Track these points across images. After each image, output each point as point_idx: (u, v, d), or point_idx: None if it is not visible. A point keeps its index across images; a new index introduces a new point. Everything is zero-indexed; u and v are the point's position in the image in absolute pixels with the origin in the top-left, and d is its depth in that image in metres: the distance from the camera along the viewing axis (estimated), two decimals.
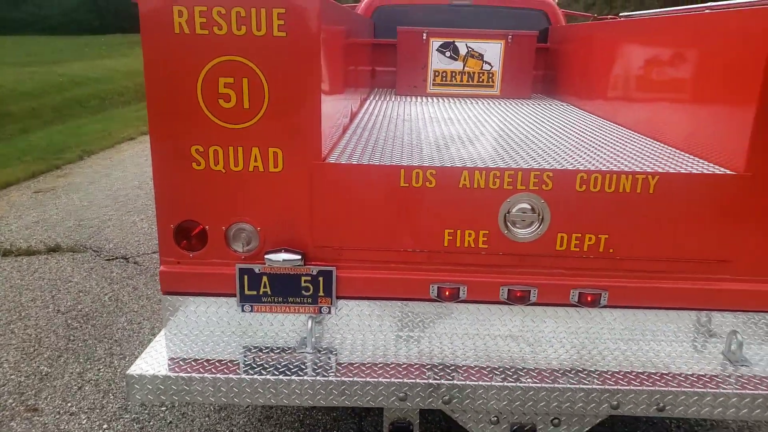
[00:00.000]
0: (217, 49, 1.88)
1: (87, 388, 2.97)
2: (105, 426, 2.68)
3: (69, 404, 2.84)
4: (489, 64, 4.29)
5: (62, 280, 4.25)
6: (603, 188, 1.97)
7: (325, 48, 1.97)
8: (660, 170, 2.01)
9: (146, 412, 2.78)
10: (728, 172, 2.02)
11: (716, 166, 2.10)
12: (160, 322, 3.58)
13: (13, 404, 2.84)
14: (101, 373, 3.10)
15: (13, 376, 3.07)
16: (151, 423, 2.70)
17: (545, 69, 4.65)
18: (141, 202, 6.17)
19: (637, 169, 2.01)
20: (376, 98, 4.10)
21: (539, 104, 3.98)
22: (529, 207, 1.99)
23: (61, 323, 3.63)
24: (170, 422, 2.71)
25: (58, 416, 2.75)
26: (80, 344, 3.39)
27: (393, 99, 4.10)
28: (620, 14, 4.72)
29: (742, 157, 1.98)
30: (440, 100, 4.13)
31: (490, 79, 4.33)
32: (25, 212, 5.82)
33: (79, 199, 6.28)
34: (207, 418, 2.74)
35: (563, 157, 2.23)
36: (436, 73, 4.33)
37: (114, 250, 4.87)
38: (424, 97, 4.24)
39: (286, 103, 1.93)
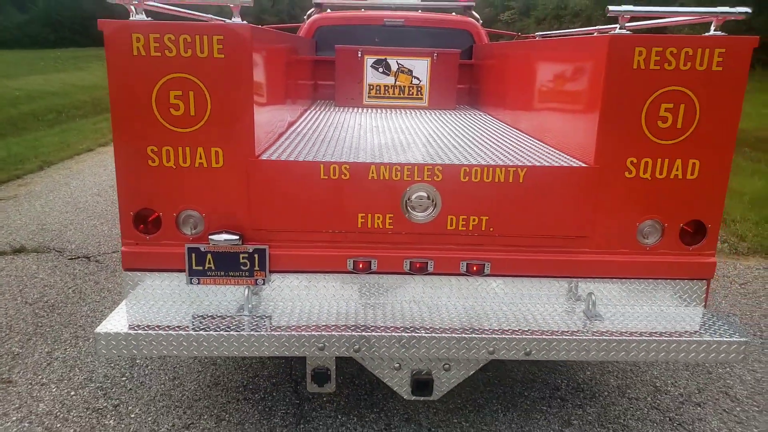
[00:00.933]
0: (168, 68, 2.33)
1: (55, 364, 3.33)
2: (72, 393, 3.06)
3: (39, 377, 3.20)
4: (417, 78, 4.82)
5: (28, 277, 4.57)
6: (482, 179, 2.48)
7: (256, 66, 2.43)
8: (528, 164, 2.53)
9: (108, 381, 3.17)
10: (583, 164, 2.55)
11: (577, 161, 2.63)
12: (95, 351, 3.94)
13: None
14: (68, 352, 3.46)
15: None
16: (113, 390, 3.09)
17: (470, 83, 5.21)
18: (100, 208, 6.48)
19: (511, 164, 2.52)
20: (318, 108, 4.57)
21: (461, 114, 4.52)
22: (424, 194, 2.48)
23: (29, 312, 3.97)
24: (130, 389, 3.10)
25: (30, 386, 3.12)
26: (47, 329, 3.74)
27: (332, 109, 4.58)
28: (536, 34, 5.33)
29: (592, 153, 2.51)
30: (374, 110, 4.62)
31: (419, 92, 4.85)
32: None
33: (40, 206, 6.55)
34: (162, 385, 3.14)
35: (457, 155, 2.73)
36: (371, 87, 4.83)
37: (76, 250, 5.20)
38: (360, 108, 4.72)
39: (225, 111, 2.38)
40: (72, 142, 10.61)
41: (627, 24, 2.51)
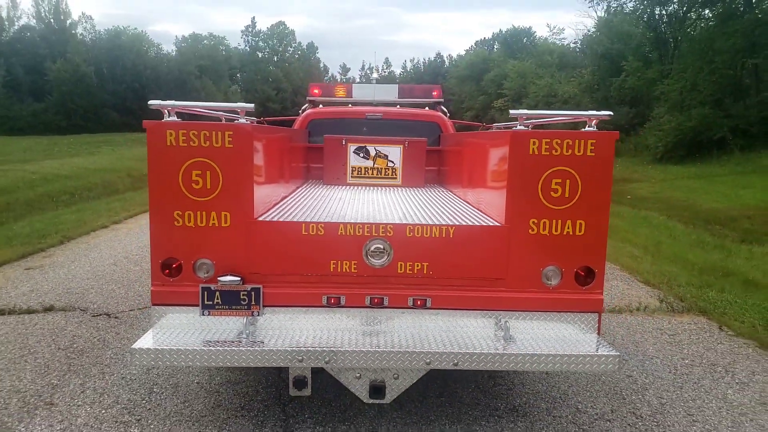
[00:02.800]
0: (191, 154, 3.25)
1: (88, 392, 4.06)
2: (103, 411, 3.78)
3: (75, 401, 3.93)
4: (392, 162, 5.79)
5: (59, 329, 5.34)
6: (422, 234, 3.34)
7: (256, 153, 3.35)
8: (456, 224, 3.39)
9: (131, 403, 3.89)
10: (497, 224, 3.42)
11: (493, 221, 3.50)
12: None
13: (36, 402, 3.93)
14: (97, 383, 4.20)
15: (31, 386, 4.14)
16: (135, 409, 3.81)
17: (439, 165, 6.18)
18: (117, 276, 7.30)
19: (444, 224, 3.38)
20: (309, 186, 5.51)
21: (427, 191, 5.45)
22: (381, 246, 3.34)
23: (62, 355, 4.72)
24: (149, 408, 3.82)
25: (68, 407, 3.85)
26: (79, 367, 4.48)
27: (321, 187, 5.52)
28: (494, 125, 6.35)
29: (503, 215, 3.38)
30: (356, 188, 5.56)
31: (394, 173, 5.81)
32: (20, 284, 6.89)
33: (64, 274, 7.37)
34: (175, 406, 3.86)
35: (409, 218, 3.60)
36: (353, 169, 5.79)
37: (98, 309, 5.98)
38: (344, 186, 5.66)
39: (233, 185, 3.28)
40: (88, 220, 11.54)
41: (527, 121, 3.46)
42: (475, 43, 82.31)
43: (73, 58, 61.02)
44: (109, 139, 42.16)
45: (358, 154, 5.77)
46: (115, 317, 5.76)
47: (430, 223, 3.42)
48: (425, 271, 3.37)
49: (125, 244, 9.25)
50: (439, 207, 4.26)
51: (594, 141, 3.29)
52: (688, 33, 29.15)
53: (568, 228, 3.36)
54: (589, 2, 36.11)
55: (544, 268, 3.39)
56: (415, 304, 3.40)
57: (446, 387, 4.19)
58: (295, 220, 3.44)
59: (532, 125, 3.61)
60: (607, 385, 4.27)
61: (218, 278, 3.33)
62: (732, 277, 7.46)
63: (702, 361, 4.78)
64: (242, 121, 3.37)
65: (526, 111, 3.47)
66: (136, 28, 73.87)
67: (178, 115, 3.42)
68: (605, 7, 34.73)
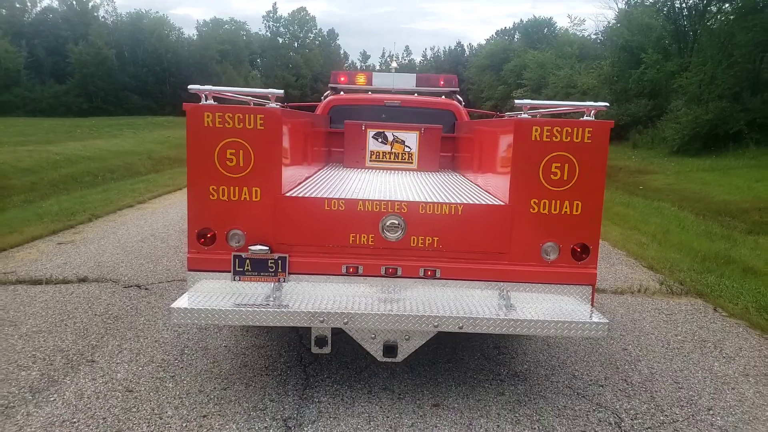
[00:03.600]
0: (226, 134, 3.61)
1: (125, 352, 4.47)
2: (140, 368, 4.19)
3: (114, 359, 4.34)
4: (409, 147, 6.11)
5: (94, 298, 5.76)
6: (434, 212, 3.68)
7: (284, 135, 3.70)
8: (464, 202, 3.72)
9: (165, 362, 4.29)
10: (501, 203, 3.75)
11: (499, 200, 3.82)
12: (169, 323, 5.10)
13: (79, 359, 4.34)
14: (133, 345, 4.60)
15: (73, 346, 4.56)
16: (169, 367, 4.21)
17: (453, 151, 6.50)
18: (145, 251, 7.73)
19: (454, 202, 3.72)
20: (330, 168, 5.86)
21: (441, 174, 5.78)
22: (396, 222, 3.68)
23: (99, 321, 5.14)
24: (181, 367, 4.22)
25: (108, 364, 4.25)
26: (115, 331, 4.89)
27: (341, 169, 5.86)
28: (506, 113, 6.64)
29: (507, 195, 3.71)
30: (374, 171, 5.90)
31: (410, 158, 6.14)
32: (54, 257, 7.34)
33: (95, 249, 7.82)
34: (205, 366, 4.25)
35: (423, 197, 3.93)
36: (372, 153, 6.13)
37: (129, 281, 6.40)
38: (363, 169, 6.00)
39: (264, 163, 3.64)
40: (114, 200, 12.02)
41: (530, 111, 3.77)
42: (495, 33, 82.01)
43: (95, 41, 61.81)
44: (130, 122, 42.84)
45: (377, 139, 6.10)
46: (146, 288, 6.17)
47: (440, 201, 3.76)
48: (435, 245, 3.71)
49: (151, 223, 9.69)
50: (451, 188, 4.60)
51: (591, 129, 3.60)
52: (708, 26, 28.92)
53: (566, 208, 3.68)
54: None
55: (543, 244, 3.72)
56: (425, 275, 3.74)
57: (454, 354, 4.54)
58: (318, 196, 3.80)
59: (540, 114, 3.91)
60: (602, 356, 4.60)
61: (249, 247, 3.69)
62: (733, 264, 7.72)
63: (693, 338, 5.09)
64: (272, 105, 3.72)
65: (529, 101, 3.79)
66: (157, 12, 74.83)
67: (216, 99, 3.78)
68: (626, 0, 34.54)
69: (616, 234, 9.66)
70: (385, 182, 4.89)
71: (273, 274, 3.74)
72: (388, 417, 3.62)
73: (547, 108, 4.18)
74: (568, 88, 38.10)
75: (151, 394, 3.84)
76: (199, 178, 3.67)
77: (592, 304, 3.75)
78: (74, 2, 68.86)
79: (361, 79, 7.02)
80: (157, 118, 48.11)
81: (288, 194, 3.81)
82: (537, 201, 3.67)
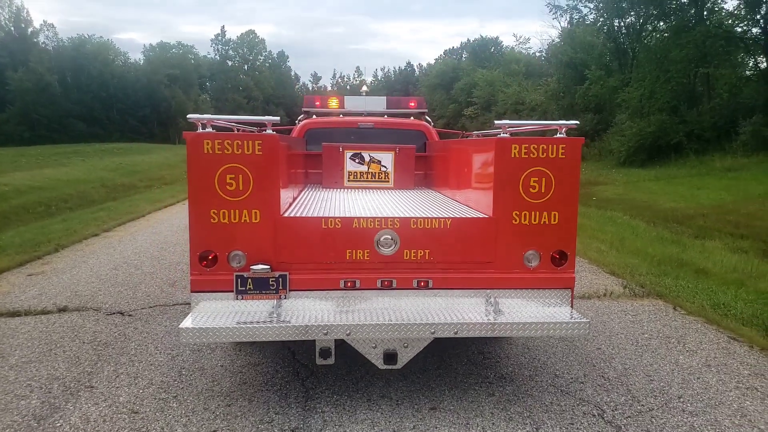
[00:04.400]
0: (226, 160, 3.79)
1: (122, 377, 4.54)
2: (141, 391, 4.27)
3: (113, 384, 4.41)
4: (385, 167, 6.39)
5: (78, 326, 5.77)
6: (424, 226, 3.95)
7: (280, 160, 3.91)
8: (453, 216, 4.01)
9: (164, 384, 4.39)
10: (485, 216, 4.05)
11: (483, 214, 4.13)
12: (161, 346, 5.19)
13: (77, 386, 4.38)
14: (129, 369, 4.67)
15: (68, 374, 4.60)
16: (170, 388, 4.31)
17: (425, 170, 6.81)
18: (121, 279, 7.72)
19: (442, 217, 4.00)
20: (310, 189, 6.07)
21: (417, 192, 6.07)
22: (389, 237, 3.93)
23: (89, 348, 5.17)
24: (182, 387, 4.33)
25: (108, 389, 4.32)
26: (107, 357, 4.94)
27: (321, 190, 6.09)
28: (474, 132, 7.01)
29: (491, 209, 4.01)
30: (353, 190, 6.14)
31: (387, 177, 6.42)
32: (27, 289, 7.26)
33: (68, 279, 7.75)
34: (205, 385, 4.37)
35: (411, 213, 4.20)
36: (350, 173, 6.38)
37: (110, 308, 6.42)
38: (342, 189, 6.24)
39: (262, 186, 3.84)
40: (77, 229, 11.83)
41: (509, 129, 4.11)
42: (444, 52, 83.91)
43: (36, 67, 60.17)
44: (78, 149, 41.75)
45: (354, 160, 6.36)
46: (129, 315, 6.20)
47: (429, 216, 4.03)
48: (427, 257, 3.98)
49: (120, 251, 9.63)
50: (434, 204, 4.88)
51: (564, 146, 3.95)
52: (645, 44, 30.58)
53: (545, 218, 4.01)
54: (553, 14, 37.47)
55: (525, 252, 4.03)
56: (419, 285, 4.00)
57: (443, 361, 4.79)
58: (314, 216, 4.02)
59: (510, 132, 4.25)
60: (579, 356, 4.94)
61: (251, 267, 3.87)
62: (686, 267, 8.27)
63: (659, 335, 5.50)
64: (269, 131, 3.93)
65: (507, 121, 4.13)
66: (101, 37, 73.17)
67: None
68: (568, 18, 36.14)
69: (576, 243, 10.14)
70: (369, 201, 5.14)
71: (274, 291, 3.92)
72: (389, 422, 3.83)
73: (522, 128, 4.53)
74: (517, 105, 39.41)
75: (157, 414, 3.94)
76: (201, 202, 3.84)
77: (571, 306, 4.08)
78: (12, 28, 66.93)
79: (333, 102, 7.28)
80: (106, 144, 47.03)
81: (286, 215, 4.01)
82: (518, 213, 3.99)
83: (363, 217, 3.94)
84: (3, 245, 10.17)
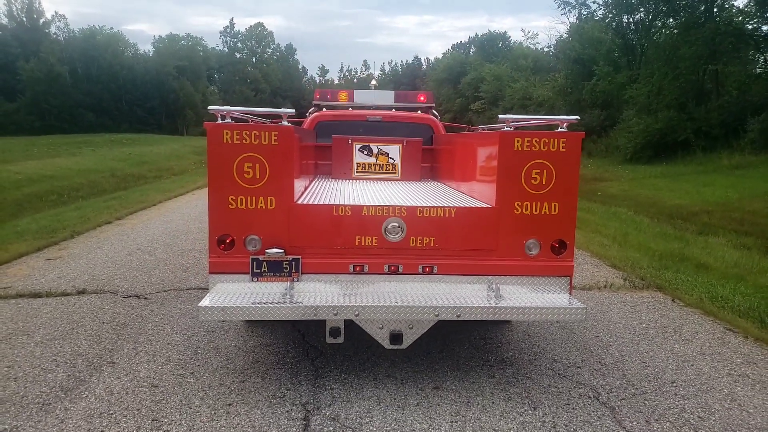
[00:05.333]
0: (244, 150, 4.01)
1: (141, 354, 4.78)
2: (159, 367, 4.51)
3: (133, 360, 4.65)
4: (392, 159, 6.59)
5: (97, 308, 6.02)
6: (430, 215, 4.15)
7: (295, 150, 4.13)
8: (457, 206, 4.21)
9: (182, 361, 4.62)
10: (489, 206, 4.25)
11: (486, 204, 4.33)
12: (177, 327, 5.43)
13: (99, 362, 4.63)
14: (147, 347, 4.92)
15: (90, 351, 4.85)
16: (187, 365, 4.55)
17: (432, 162, 7.01)
18: (135, 264, 7.97)
19: (447, 206, 4.20)
20: (320, 180, 6.29)
21: (423, 183, 6.27)
22: (396, 224, 4.14)
23: (108, 328, 5.42)
24: (198, 364, 4.56)
25: (128, 365, 4.56)
26: (126, 336, 5.19)
27: (331, 181, 6.30)
28: (479, 126, 7.20)
29: (494, 199, 4.21)
30: (361, 181, 6.35)
31: (394, 169, 6.62)
32: (46, 272, 7.52)
33: (85, 263, 8.01)
34: (219, 363, 4.60)
35: (417, 202, 4.41)
36: (358, 165, 6.59)
37: (127, 291, 6.67)
38: (351, 180, 6.45)
39: (278, 175, 4.05)
40: (91, 217, 12.10)
41: (512, 124, 4.30)
42: (452, 47, 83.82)
43: (47, 58, 60.55)
44: (88, 140, 42.14)
45: (363, 152, 6.56)
46: (145, 298, 6.45)
47: (434, 205, 4.24)
48: (432, 244, 4.18)
49: (134, 238, 9.89)
50: (439, 195, 5.09)
51: (565, 140, 4.14)
52: (654, 40, 30.55)
53: (545, 209, 4.21)
54: (562, 9, 37.43)
55: (526, 241, 4.23)
56: (424, 271, 4.21)
57: (446, 345, 5.01)
58: (326, 203, 4.23)
59: (513, 126, 4.44)
60: (578, 343, 5.14)
61: (266, 250, 4.09)
62: (687, 261, 8.44)
63: (656, 325, 5.69)
64: (285, 123, 4.14)
65: (511, 116, 4.33)
66: (111, 28, 73.56)
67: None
68: (577, 14, 36.11)
69: (579, 237, 10.31)
70: (377, 191, 5.35)
71: (288, 274, 4.14)
72: (395, 399, 4.05)
73: (525, 122, 4.73)
74: (524, 100, 39.43)
75: (175, 388, 4.18)
76: (219, 189, 4.06)
77: (570, 293, 4.28)
78: (24, 19, 67.39)
79: (343, 96, 7.48)
80: (115, 135, 47.41)
81: (299, 202, 4.22)
82: (520, 203, 4.19)
83: (372, 205, 4.15)
84: (21, 231, 10.46)
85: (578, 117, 4.34)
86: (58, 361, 4.65)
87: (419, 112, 7.74)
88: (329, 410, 3.88)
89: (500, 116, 4.32)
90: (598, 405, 4.02)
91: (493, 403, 4.02)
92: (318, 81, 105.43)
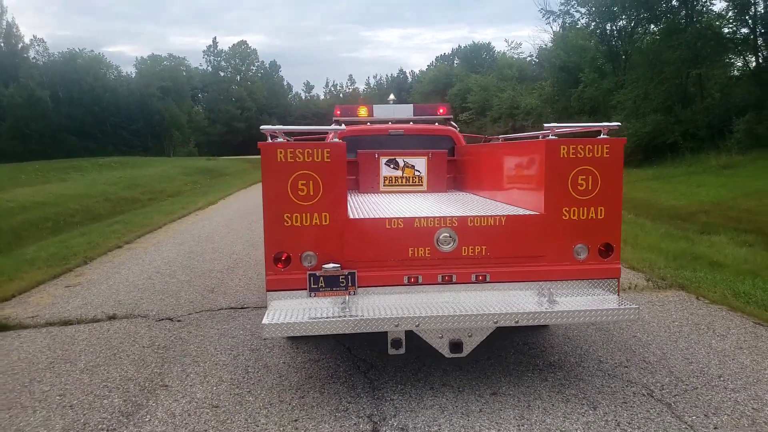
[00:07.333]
0: (297, 167, 4.08)
1: (192, 375, 4.80)
2: (214, 388, 4.54)
3: (185, 382, 4.67)
4: (419, 171, 6.70)
5: (132, 332, 6.02)
6: (481, 224, 4.25)
7: (345, 166, 4.21)
8: (507, 214, 4.32)
9: (235, 380, 4.65)
10: (537, 213, 4.36)
11: (533, 211, 4.43)
12: (220, 347, 5.45)
13: (151, 386, 4.64)
14: (196, 369, 4.94)
15: (138, 375, 4.86)
16: (242, 384, 4.58)
17: (454, 173, 7.12)
18: (159, 287, 7.96)
19: (497, 214, 4.30)
20: (350, 194, 6.36)
21: (452, 194, 6.38)
22: (448, 234, 4.22)
23: (150, 352, 5.42)
24: (253, 383, 4.59)
25: (182, 387, 4.59)
26: (172, 359, 5.20)
27: (359, 195, 6.38)
28: (500, 136, 7.33)
29: (542, 206, 4.32)
30: (388, 195, 6.44)
31: (420, 181, 6.72)
32: (70, 300, 7.49)
33: (106, 288, 7.99)
34: (274, 380, 4.64)
35: (465, 212, 4.50)
36: (385, 178, 6.68)
37: (158, 315, 6.66)
38: (378, 193, 6.54)
39: (331, 191, 4.13)
40: (99, 242, 12.01)
41: (556, 131, 4.43)
42: (435, 59, 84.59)
43: (27, 83, 60.12)
44: (75, 164, 41.74)
45: (389, 166, 6.66)
46: (178, 320, 6.45)
47: (484, 214, 4.34)
48: (484, 253, 4.28)
49: (149, 261, 9.86)
50: (479, 205, 5.19)
51: (608, 146, 4.28)
52: (638, 47, 31.14)
53: (592, 213, 4.33)
54: (546, 19, 38.04)
55: (574, 246, 4.34)
56: (477, 280, 4.29)
57: (492, 353, 5.09)
58: (377, 217, 4.31)
59: (556, 134, 4.56)
60: (618, 343, 5.25)
61: (322, 265, 4.15)
62: (700, 260, 8.63)
63: (688, 322, 5.83)
64: (336, 140, 4.23)
65: (554, 124, 4.45)
66: (92, 51, 73.22)
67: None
68: (561, 23, 36.71)
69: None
70: (415, 203, 5.44)
71: (344, 288, 4.21)
72: (456, 406, 4.12)
73: (569, 128, 4.86)
74: (512, 109, 39.88)
75: (236, 407, 4.21)
76: (275, 207, 4.12)
77: (618, 294, 4.39)
78: (2, 44, 66.95)
79: (363, 111, 7.59)
80: (103, 159, 47.10)
81: (352, 217, 4.30)
82: (568, 209, 4.30)
83: (424, 217, 4.24)
84: (31, 259, 10.38)
85: (619, 123, 4.48)
86: (110, 386, 4.66)
87: (436, 124, 7.86)
88: (395, 421, 3.94)
89: (545, 125, 4.45)
90: (654, 402, 4.12)
91: (553, 405, 4.10)
92: (303, 97, 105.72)
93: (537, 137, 4.96)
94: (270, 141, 4.22)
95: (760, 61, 26.59)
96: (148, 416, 4.12)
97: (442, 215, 4.29)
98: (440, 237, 4.23)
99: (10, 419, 4.16)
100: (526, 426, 3.81)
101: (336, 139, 4.67)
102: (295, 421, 3.98)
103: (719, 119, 25.23)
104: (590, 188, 4.29)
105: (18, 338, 5.98)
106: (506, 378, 4.58)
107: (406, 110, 7.67)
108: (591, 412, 4.00)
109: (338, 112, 7.55)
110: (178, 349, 5.48)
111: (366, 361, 4.97)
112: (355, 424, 3.91)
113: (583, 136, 4.50)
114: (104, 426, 4.01)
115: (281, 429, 3.88)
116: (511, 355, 5.05)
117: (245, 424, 3.96)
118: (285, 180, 4.09)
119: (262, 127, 4.23)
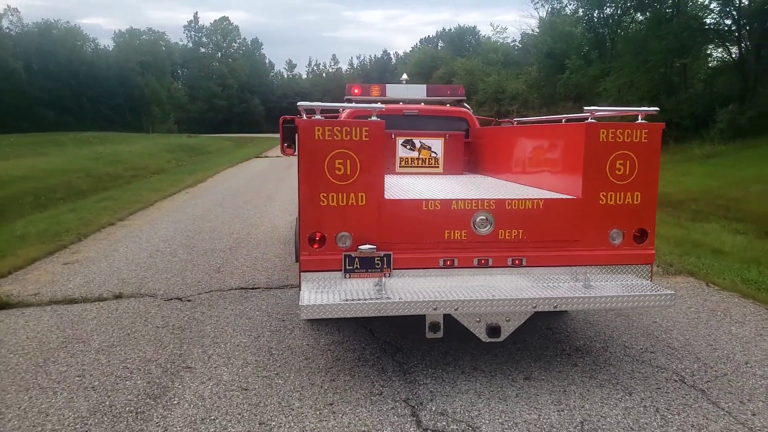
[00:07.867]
0: (335, 146, 3.97)
1: (214, 357, 4.69)
2: (240, 370, 4.44)
3: (209, 364, 4.56)
4: (435, 153, 6.60)
5: (143, 312, 5.86)
6: (519, 207, 4.19)
7: (384, 145, 4.10)
8: (545, 197, 4.26)
9: (260, 363, 4.56)
10: (574, 197, 4.31)
11: (570, 195, 4.38)
12: (238, 329, 5.34)
13: (174, 367, 4.52)
14: (217, 350, 4.83)
15: (158, 356, 4.73)
16: (268, 366, 4.48)
17: (468, 155, 7.05)
18: (161, 266, 7.77)
19: (534, 197, 4.24)
20: None
21: (470, 177, 6.30)
22: (485, 217, 4.16)
23: (166, 332, 5.29)
24: (279, 365, 4.50)
25: (207, 369, 4.47)
26: (189, 340, 5.07)
27: None
28: (515, 119, 7.27)
29: (580, 190, 4.27)
30: (404, 176, 6.34)
31: (436, 162, 6.63)
32: (70, 277, 7.27)
33: (107, 267, 7.77)
34: (300, 363, 4.55)
35: (499, 195, 4.43)
36: (401, 159, 6.58)
37: (166, 294, 6.50)
38: (395, 175, 6.43)
39: (368, 170, 4.02)
40: (90, 219, 11.69)
41: (596, 114, 4.37)
42: (420, 41, 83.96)
43: (0, 53, 58.23)
44: (53, 138, 40.70)
45: (406, 146, 6.55)
46: (188, 300, 6.30)
47: (521, 197, 4.28)
48: (521, 237, 4.22)
49: (146, 239, 9.63)
50: (507, 188, 5.12)
51: (647, 130, 4.24)
52: (624, 35, 31.25)
53: (628, 198, 4.30)
54: (534, 3, 37.94)
55: (610, 231, 4.31)
56: (513, 264, 4.24)
57: (518, 339, 5.05)
58: (413, 198, 4.22)
59: (596, 117, 4.48)
60: (641, 329, 5.27)
61: (358, 247, 4.06)
62: (701, 247, 8.72)
63: (704, 309, 5.88)
64: (375, 119, 4.11)
65: (594, 107, 4.39)
66: (68, 22, 71.13)
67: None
68: (548, 9, 36.65)
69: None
70: (439, 184, 5.35)
71: (379, 270, 4.12)
72: (492, 391, 4.08)
73: (608, 113, 4.80)
74: (498, 94, 39.83)
75: (267, 390, 4.12)
76: (311, 186, 4.01)
77: (651, 280, 4.38)
78: None
79: (375, 91, 7.44)
80: (81, 134, 45.92)
81: (388, 197, 4.20)
82: (605, 194, 4.26)
83: (461, 199, 4.16)
84: (21, 235, 10.06)
85: (656, 108, 4.44)
86: (130, 368, 4.52)
87: (448, 105, 7.75)
88: (433, 405, 3.89)
89: (585, 108, 4.39)
90: (688, 388, 4.14)
91: (588, 390, 4.09)
92: (285, 75, 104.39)
93: (560, 121, 4.90)
94: (304, 117, 4.09)
95: (743, 52, 26.89)
96: (176, 399, 4.01)
97: (479, 197, 4.22)
98: (477, 220, 4.16)
99: (30, 401, 4.02)
100: (566, 411, 3.80)
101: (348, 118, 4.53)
102: (331, 404, 3.91)
103: (703, 109, 25.53)
104: (627, 173, 4.25)
105: (22, 316, 5.78)
106: (536, 363, 4.55)
107: (419, 91, 7.54)
108: (627, 397, 3.99)
109: (356, 91, 7.37)
110: (195, 329, 5.35)
111: (392, 345, 4.90)
112: (392, 408, 3.85)
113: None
114: (132, 408, 3.89)
115: (318, 413, 3.80)
116: (536, 339, 5.03)
117: (279, 407, 3.88)
118: (322, 159, 3.98)
119: (299, 103, 4.10)
